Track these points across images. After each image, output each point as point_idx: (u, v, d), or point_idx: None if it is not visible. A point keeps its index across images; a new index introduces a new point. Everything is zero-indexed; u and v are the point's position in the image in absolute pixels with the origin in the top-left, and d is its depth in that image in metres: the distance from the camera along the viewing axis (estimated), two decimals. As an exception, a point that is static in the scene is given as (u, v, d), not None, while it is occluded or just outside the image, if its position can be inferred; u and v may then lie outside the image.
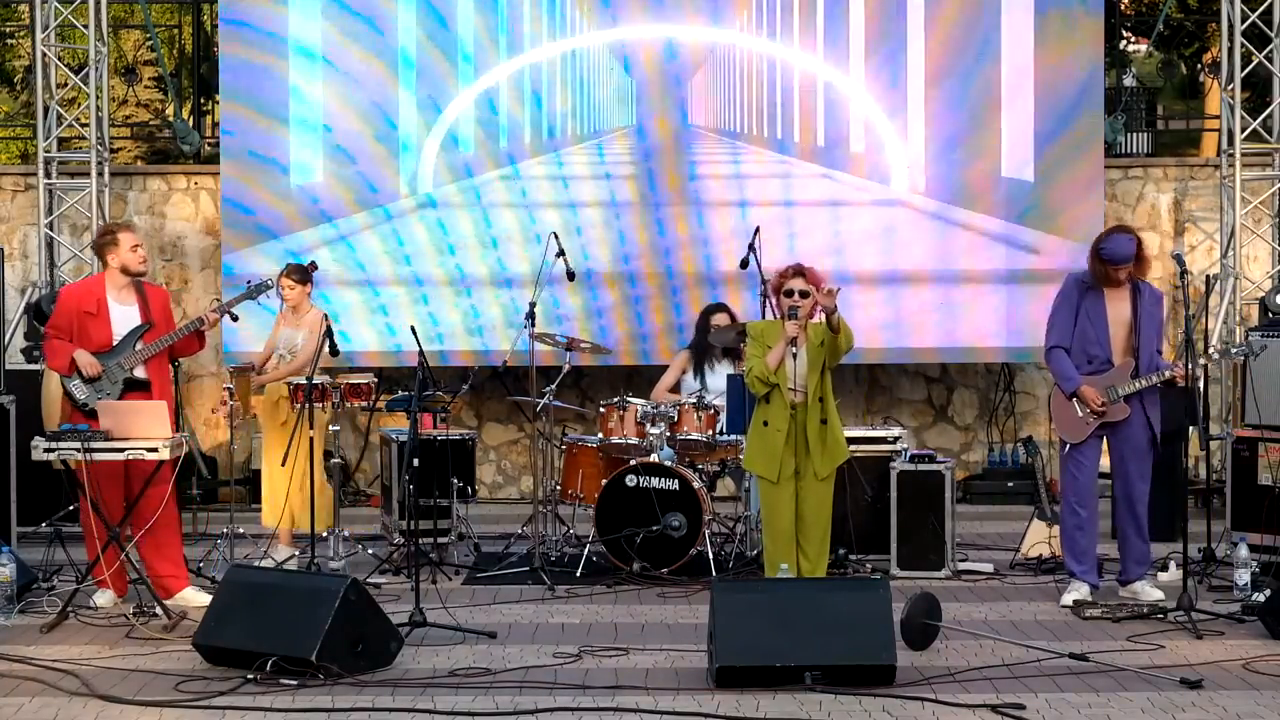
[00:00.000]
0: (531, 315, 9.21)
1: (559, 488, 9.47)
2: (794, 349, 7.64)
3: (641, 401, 9.26)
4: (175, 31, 16.50)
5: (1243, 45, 12.24)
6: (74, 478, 8.01)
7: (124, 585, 8.21)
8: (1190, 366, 8.16)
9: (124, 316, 8.24)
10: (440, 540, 9.42)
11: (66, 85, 12.97)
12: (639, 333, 12.01)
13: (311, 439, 8.88)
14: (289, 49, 11.92)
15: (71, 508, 9.20)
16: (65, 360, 8.11)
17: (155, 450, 7.75)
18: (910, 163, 11.94)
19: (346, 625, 6.63)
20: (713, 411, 9.10)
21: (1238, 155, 12.24)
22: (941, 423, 12.85)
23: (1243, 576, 8.10)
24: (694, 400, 9.16)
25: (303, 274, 9.52)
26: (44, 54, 12.48)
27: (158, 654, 7.10)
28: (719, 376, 9.55)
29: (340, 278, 11.92)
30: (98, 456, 7.74)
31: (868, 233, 11.95)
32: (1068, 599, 8.07)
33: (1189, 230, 12.82)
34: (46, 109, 12.53)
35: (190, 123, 13.31)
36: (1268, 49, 12.39)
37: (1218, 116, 13.14)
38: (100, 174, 12.46)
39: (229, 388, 9.29)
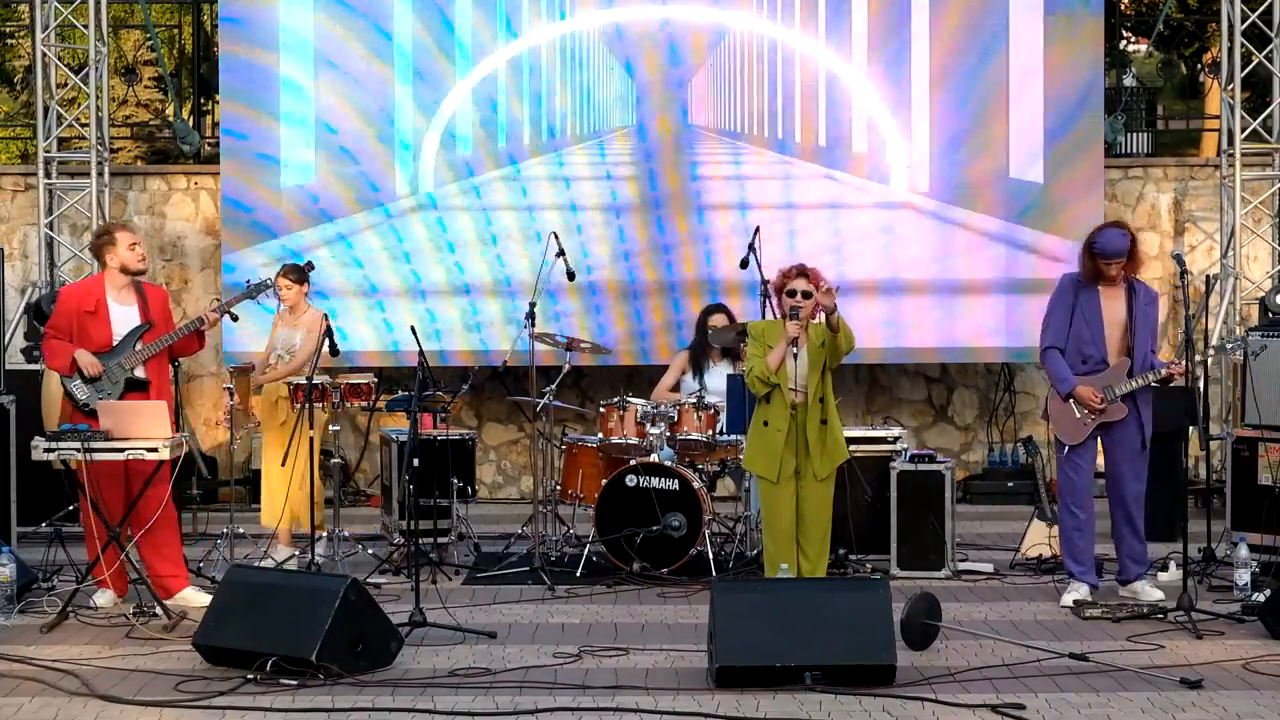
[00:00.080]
0: (531, 315, 9.21)
1: (559, 488, 9.47)
2: (795, 349, 7.64)
3: (641, 401, 9.26)
4: (175, 31, 16.50)
5: (1243, 45, 12.24)
6: (74, 478, 8.01)
7: (124, 585, 8.21)
8: (1190, 366, 8.15)
9: (124, 316, 8.24)
10: (440, 540, 9.42)
11: (66, 85, 12.97)
12: (639, 333, 12.01)
13: (312, 439, 8.88)
14: (289, 49, 11.92)
15: (71, 508, 9.21)
16: (66, 360, 8.11)
17: (155, 450, 7.75)
18: (910, 163, 11.94)
19: (346, 625, 6.63)
20: (713, 411, 9.10)
21: (1238, 155, 12.24)
22: (941, 423, 12.85)
23: (1243, 576, 8.10)
24: (694, 400, 9.16)
25: (299, 274, 9.52)
26: (44, 54, 12.48)
27: (158, 654, 7.10)
28: (716, 377, 9.55)
29: (340, 277, 11.93)
30: (98, 456, 7.74)
31: (868, 232, 11.95)
32: (1068, 599, 8.07)
33: (1189, 230, 12.82)
34: (46, 109, 12.53)
35: (190, 123, 13.31)
36: (1268, 49, 12.39)
37: (1218, 116, 13.15)
38: (100, 174, 12.46)
39: (229, 388, 9.29)
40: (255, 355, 10.16)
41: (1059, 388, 8.18)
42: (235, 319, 8.81)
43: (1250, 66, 12.46)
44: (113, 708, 6.25)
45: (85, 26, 12.42)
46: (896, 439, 9.29)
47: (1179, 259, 8.52)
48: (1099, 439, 8.21)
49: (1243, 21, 12.23)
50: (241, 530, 9.40)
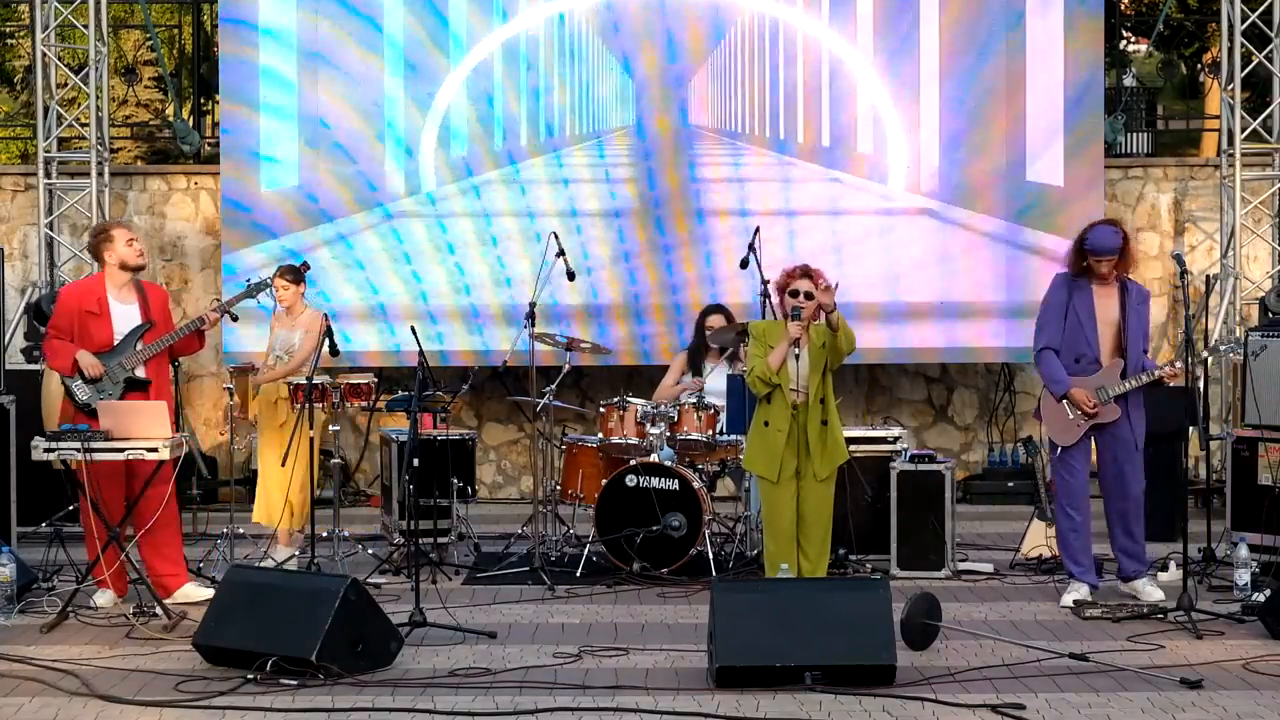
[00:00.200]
0: (531, 315, 9.21)
1: (559, 488, 9.47)
2: (796, 350, 7.64)
3: (641, 401, 9.25)
4: (175, 31, 16.51)
5: (1243, 45, 12.25)
6: (74, 478, 8.01)
7: (124, 585, 8.21)
8: (1190, 367, 8.14)
9: (125, 315, 8.24)
10: (440, 540, 9.41)
11: (66, 85, 12.98)
12: (639, 333, 12.01)
13: (312, 439, 8.89)
14: (288, 49, 11.92)
15: (71, 508, 9.21)
16: (67, 360, 8.11)
17: (155, 450, 7.75)
18: (910, 162, 11.94)
19: (346, 625, 6.63)
20: (712, 411, 9.10)
21: (1238, 155, 12.24)
22: (941, 423, 12.85)
23: (1243, 576, 8.10)
24: (694, 400, 9.16)
25: (296, 274, 9.51)
26: (44, 54, 12.48)
27: (158, 654, 7.10)
28: (713, 377, 9.55)
29: (340, 278, 11.93)
30: (98, 456, 7.74)
31: (868, 232, 11.95)
32: (1068, 599, 8.07)
33: (1189, 230, 12.82)
34: (46, 109, 12.54)
35: (190, 123, 13.31)
36: (1268, 49, 12.39)
37: (1218, 116, 13.15)
38: (100, 174, 12.46)
39: (229, 388, 9.29)
40: (255, 355, 10.16)
41: (1054, 389, 8.15)
42: (235, 319, 8.81)
43: (1250, 66, 12.46)
44: (113, 708, 6.25)
45: (85, 26, 12.42)
46: (896, 439, 9.29)
47: (1179, 259, 8.51)
48: (1093, 440, 8.19)
49: (1243, 21, 12.23)
50: (241, 530, 9.41)
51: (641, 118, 12.04)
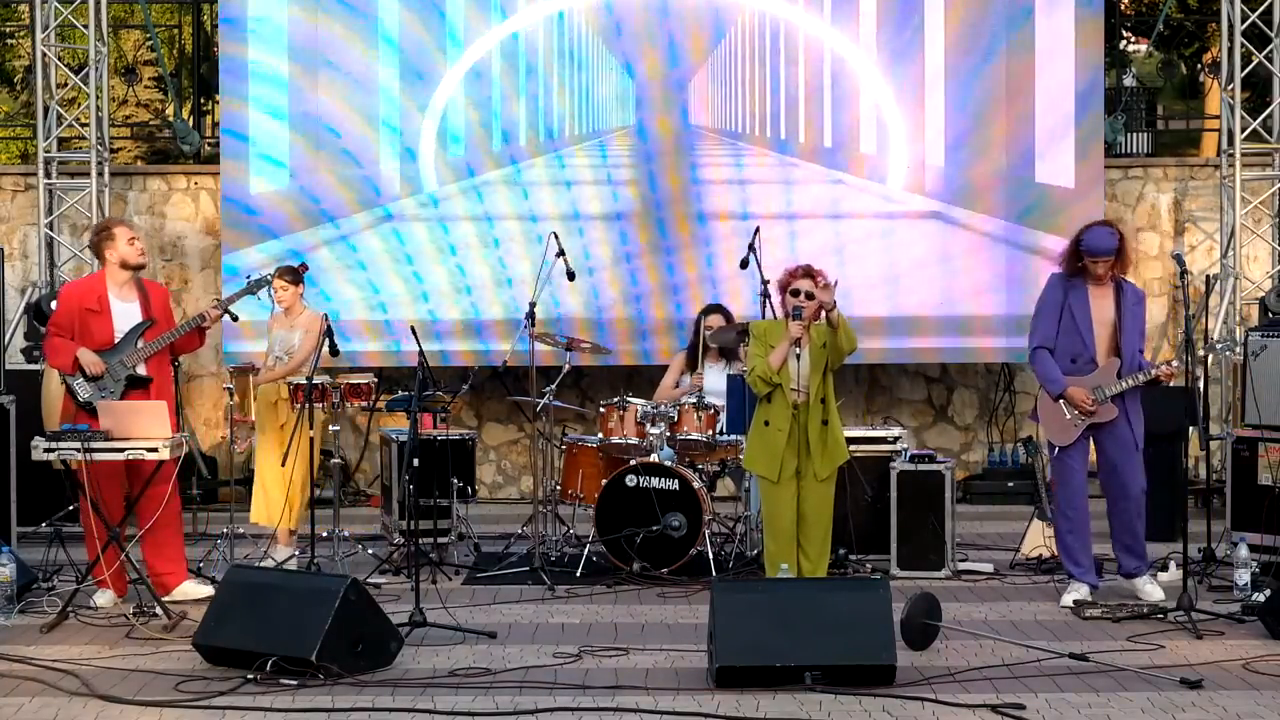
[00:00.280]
0: (531, 315, 9.21)
1: (559, 488, 9.47)
2: (797, 350, 7.64)
3: (641, 401, 9.25)
4: (175, 31, 16.51)
5: (1243, 45, 12.25)
6: (74, 478, 8.01)
7: (124, 585, 8.21)
8: (1190, 366, 8.14)
9: (126, 313, 8.24)
10: (440, 540, 9.41)
11: (66, 85, 12.98)
12: (639, 333, 12.02)
13: (312, 439, 8.89)
14: (289, 49, 11.92)
15: (71, 508, 9.21)
16: (68, 359, 8.11)
17: (155, 450, 7.75)
18: (911, 163, 11.95)
19: (346, 625, 6.63)
20: (712, 411, 9.10)
21: (1238, 155, 12.24)
22: (941, 423, 12.85)
23: (1243, 576, 8.10)
24: (694, 400, 9.16)
25: (294, 275, 9.51)
26: (44, 54, 12.48)
27: (158, 654, 7.10)
28: (712, 377, 9.55)
29: (341, 278, 11.93)
30: (98, 456, 7.74)
31: (868, 232, 11.95)
32: (1068, 599, 8.06)
33: (1189, 230, 12.82)
34: (46, 109, 12.54)
35: (190, 123, 13.32)
36: (1268, 49, 12.39)
37: (1218, 116, 13.15)
38: (100, 174, 12.46)
39: (229, 388, 9.29)
40: (255, 355, 10.16)
41: (1049, 388, 8.14)
42: (235, 319, 8.81)
43: (1250, 66, 12.47)
44: (113, 708, 6.25)
45: (85, 26, 12.42)
46: (896, 439, 9.29)
47: (1179, 259, 8.51)
48: (1090, 440, 8.18)
49: (1243, 21, 12.23)
50: (241, 530, 9.41)
51: (642, 118, 12.04)
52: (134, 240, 8.32)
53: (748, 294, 10.79)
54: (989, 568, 9.03)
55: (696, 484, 8.89)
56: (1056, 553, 8.68)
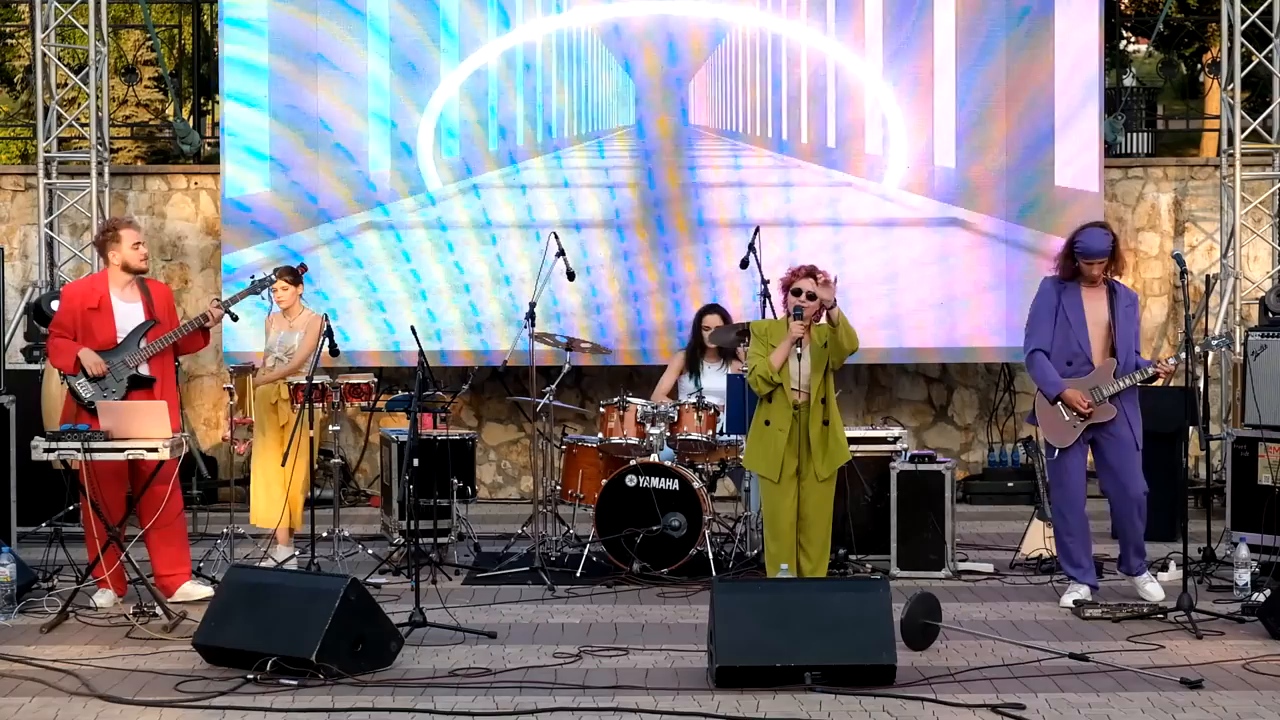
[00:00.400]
0: (531, 315, 9.20)
1: (559, 488, 9.47)
2: (798, 349, 7.65)
3: (641, 401, 9.25)
4: (175, 31, 16.52)
5: (1243, 45, 12.25)
6: (76, 478, 8.00)
7: (124, 585, 8.21)
8: (1190, 366, 8.13)
9: (128, 313, 8.24)
10: (440, 540, 9.41)
11: (66, 85, 12.98)
12: (639, 332, 12.02)
13: (312, 439, 8.88)
14: (289, 49, 11.92)
15: (71, 507, 9.21)
16: (70, 359, 8.11)
17: (155, 450, 7.75)
18: (910, 162, 11.95)
19: (346, 625, 6.63)
20: (713, 411, 9.10)
21: (1238, 155, 12.24)
22: (941, 423, 12.85)
23: (1243, 576, 8.09)
24: (694, 400, 9.16)
25: (294, 275, 9.51)
26: (44, 54, 12.48)
27: (158, 654, 7.10)
28: (711, 377, 9.56)
29: (340, 278, 11.94)
30: (98, 456, 7.74)
31: (867, 232, 11.96)
32: (1068, 599, 8.06)
33: (1189, 230, 12.83)
34: (46, 109, 12.54)
35: (190, 123, 13.32)
36: (1268, 49, 12.40)
37: (1218, 116, 13.15)
38: (100, 174, 12.47)
39: (229, 388, 9.29)
40: (256, 355, 10.16)
41: (1046, 390, 8.13)
42: (235, 319, 8.81)
43: (1250, 66, 12.47)
44: (113, 708, 6.25)
45: (85, 26, 12.42)
46: (896, 439, 9.28)
47: (1179, 259, 8.50)
48: (1088, 441, 8.17)
49: (1243, 21, 12.23)
50: (241, 530, 9.41)
51: (642, 118, 12.04)
52: (139, 245, 8.33)
53: (747, 293, 10.80)
54: (989, 568, 9.03)
55: (696, 484, 8.89)
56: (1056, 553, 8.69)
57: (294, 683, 6.43)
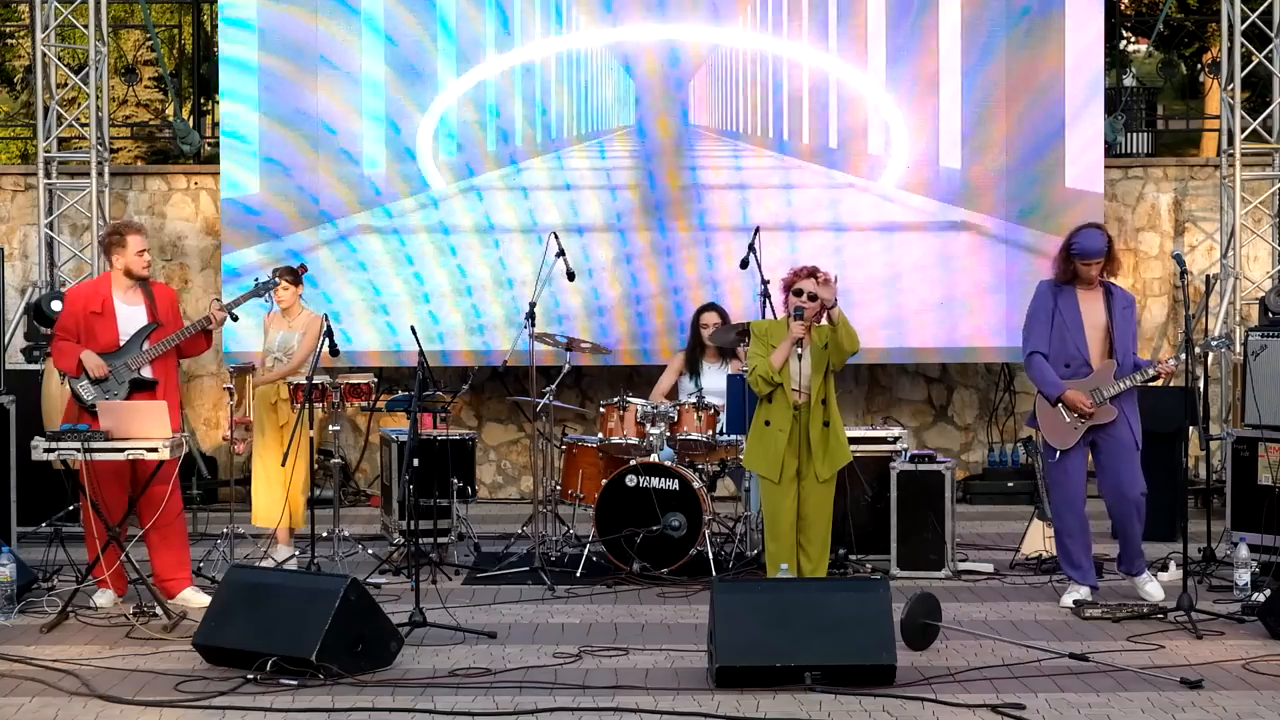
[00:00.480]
0: (531, 315, 9.20)
1: (559, 488, 9.47)
2: (799, 350, 7.65)
3: (641, 401, 9.25)
4: (175, 31, 16.52)
5: (1243, 45, 12.25)
6: (77, 478, 8.00)
7: (124, 585, 8.21)
8: (1190, 366, 8.13)
9: (131, 316, 8.24)
10: (440, 540, 9.41)
11: (66, 85, 12.98)
12: (639, 332, 12.02)
13: (312, 439, 8.88)
14: (289, 49, 11.92)
15: (71, 507, 9.21)
16: (72, 361, 8.11)
17: (155, 450, 7.75)
18: (910, 162, 11.94)
19: (346, 625, 6.63)
20: (713, 411, 9.10)
21: (1238, 155, 12.24)
22: (941, 423, 12.85)
23: (1243, 576, 8.09)
24: (694, 400, 9.16)
25: (294, 276, 9.51)
26: (44, 54, 12.48)
27: (158, 654, 7.10)
28: (711, 377, 9.56)
29: (341, 278, 11.94)
30: (97, 456, 7.74)
31: (868, 232, 11.95)
32: (1068, 599, 8.06)
33: (1189, 230, 12.83)
34: (46, 109, 12.54)
35: (190, 123, 13.32)
36: (1268, 49, 12.40)
37: (1218, 116, 13.15)
38: (100, 174, 12.46)
39: (229, 388, 9.29)
40: (256, 356, 10.16)
41: (1047, 392, 8.12)
42: (235, 319, 8.81)
43: (1250, 66, 12.47)
44: (113, 708, 6.25)
45: (85, 26, 12.42)
46: (896, 439, 9.28)
47: (1179, 259, 8.50)
48: (1088, 443, 8.16)
49: (1243, 21, 12.23)
50: (241, 530, 9.41)
51: (642, 118, 12.04)
52: (143, 252, 8.34)
53: (747, 294, 10.80)
54: (989, 568, 9.03)
55: (696, 484, 8.89)
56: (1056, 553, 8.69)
57: (294, 683, 6.43)
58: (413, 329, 8.90)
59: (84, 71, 12.57)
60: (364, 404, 9.42)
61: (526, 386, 9.90)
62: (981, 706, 6.16)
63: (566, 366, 9.59)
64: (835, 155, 11.97)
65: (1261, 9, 12.43)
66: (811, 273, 7.76)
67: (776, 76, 12.02)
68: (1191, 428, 10.30)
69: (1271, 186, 12.52)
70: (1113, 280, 8.16)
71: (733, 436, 9.04)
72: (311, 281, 10.47)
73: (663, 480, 8.86)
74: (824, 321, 7.75)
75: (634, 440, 9.07)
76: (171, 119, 14.30)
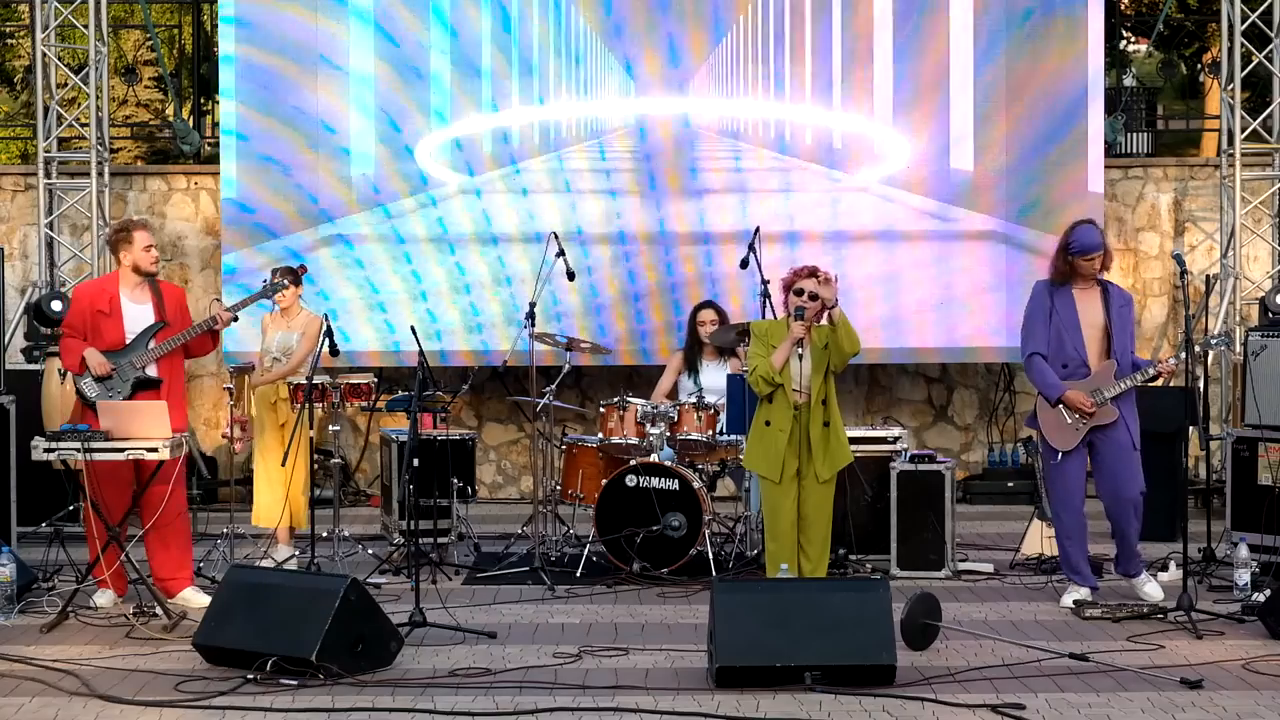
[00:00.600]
0: (531, 315, 9.20)
1: (559, 488, 9.47)
2: (799, 350, 7.65)
3: (641, 401, 9.25)
4: (175, 31, 16.52)
5: (1243, 45, 12.25)
6: (78, 478, 8.00)
7: (124, 585, 8.21)
8: (1190, 366, 8.13)
9: (137, 315, 8.24)
10: (440, 540, 9.41)
11: (66, 85, 12.98)
12: (639, 333, 12.01)
13: (312, 439, 8.88)
14: (289, 48, 11.92)
15: (72, 507, 9.21)
16: (76, 359, 8.12)
17: (155, 450, 7.74)
18: (910, 162, 11.94)
19: (346, 625, 6.63)
20: (713, 411, 9.10)
21: (1238, 155, 12.24)
22: (941, 423, 12.85)
23: (1243, 576, 8.09)
24: (694, 400, 9.15)
25: (294, 276, 9.51)
26: (44, 54, 12.48)
27: (158, 654, 7.10)
28: (710, 375, 9.55)
29: (340, 278, 11.94)
30: (97, 456, 7.74)
31: (868, 232, 11.95)
32: (1068, 600, 8.06)
33: (1189, 230, 12.83)
34: (46, 109, 12.54)
35: (190, 123, 13.32)
36: (1268, 49, 12.40)
37: (1218, 116, 13.15)
38: (100, 174, 12.47)
39: (229, 388, 9.29)
40: (256, 356, 10.16)
41: (1048, 393, 8.10)
42: (236, 319, 8.81)
43: (1250, 66, 12.47)
44: (113, 708, 6.25)
45: (85, 26, 12.42)
46: (896, 439, 9.28)
47: (1179, 259, 8.50)
48: (1086, 444, 8.15)
49: (1243, 21, 12.23)
50: (241, 530, 9.40)
51: (642, 118, 12.03)
52: (150, 248, 8.33)
53: (747, 294, 10.80)
54: (989, 568, 9.03)
55: (696, 484, 8.89)
56: (1056, 553, 8.69)
57: (294, 683, 6.43)
58: (413, 329, 8.90)
59: (84, 71, 12.57)
60: (364, 404, 9.42)
61: (526, 386, 9.90)
62: (981, 706, 6.16)
63: (566, 366, 9.59)
64: (835, 155, 11.97)
65: (1261, 9, 12.43)
66: (812, 272, 7.76)
67: (778, 76, 12.01)
68: (1191, 428, 10.29)
69: (1271, 186, 12.53)
70: (1107, 276, 8.16)
71: (733, 436, 9.04)
72: (311, 281, 10.46)
73: (663, 480, 8.86)
74: (824, 321, 7.75)
75: (634, 440, 9.07)
76: (171, 119, 14.29)
